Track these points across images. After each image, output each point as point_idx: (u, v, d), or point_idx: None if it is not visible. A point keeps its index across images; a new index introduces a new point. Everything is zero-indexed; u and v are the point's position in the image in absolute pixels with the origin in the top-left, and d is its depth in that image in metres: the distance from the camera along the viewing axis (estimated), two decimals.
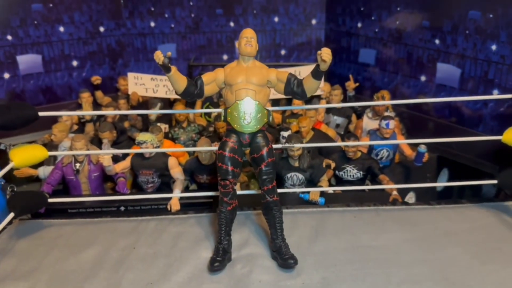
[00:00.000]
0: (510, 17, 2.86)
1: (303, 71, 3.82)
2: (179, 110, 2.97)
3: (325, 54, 0.90)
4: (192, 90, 0.79)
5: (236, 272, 0.89)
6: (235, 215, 0.88)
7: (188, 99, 0.88)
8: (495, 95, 2.65)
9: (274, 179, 0.87)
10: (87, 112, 2.70)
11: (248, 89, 0.81)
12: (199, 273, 0.90)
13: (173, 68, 0.74)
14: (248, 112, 0.80)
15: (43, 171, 2.81)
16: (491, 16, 2.97)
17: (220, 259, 0.91)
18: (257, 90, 0.83)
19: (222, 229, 0.89)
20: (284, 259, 0.85)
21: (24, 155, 1.56)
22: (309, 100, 4.02)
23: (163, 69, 0.77)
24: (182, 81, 0.77)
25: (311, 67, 4.02)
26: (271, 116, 0.85)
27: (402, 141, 2.90)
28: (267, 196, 0.87)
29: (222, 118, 0.84)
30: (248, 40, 0.88)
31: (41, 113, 1.25)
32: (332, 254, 0.97)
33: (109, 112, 2.58)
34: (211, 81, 0.81)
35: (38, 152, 1.60)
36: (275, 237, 0.87)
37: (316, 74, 0.79)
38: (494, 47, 2.99)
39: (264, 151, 0.83)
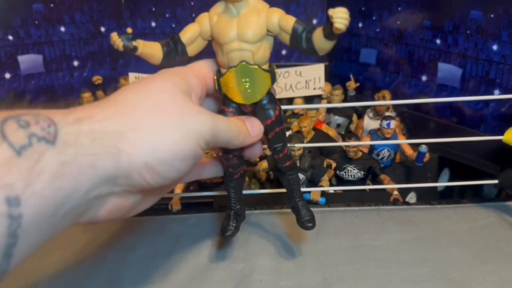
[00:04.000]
0: (511, 17, 2.86)
1: (304, 71, 3.83)
2: None
3: (339, 19, 0.50)
4: (172, 57, 0.62)
5: (237, 272, 0.89)
6: (244, 180, 0.78)
7: (172, 66, 0.67)
8: (497, 95, 2.65)
9: (285, 146, 0.74)
10: None
11: (243, 51, 0.65)
12: (200, 272, 0.90)
13: (140, 44, 0.59)
14: (246, 80, 0.65)
15: None
16: (492, 16, 2.97)
17: (233, 224, 0.80)
18: (254, 50, 0.65)
19: (232, 196, 0.78)
20: (301, 221, 0.80)
21: None
22: (310, 100, 4.03)
23: (128, 52, 0.61)
24: (156, 52, 0.61)
25: (312, 67, 3.99)
26: (275, 76, 0.68)
27: (403, 141, 2.90)
28: (279, 164, 0.75)
29: (216, 86, 0.69)
30: None
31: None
32: (332, 254, 0.96)
33: None
34: (194, 38, 0.64)
35: None
36: (290, 196, 0.80)
37: (329, 35, 0.59)
38: (495, 47, 2.99)
39: (270, 120, 0.69)
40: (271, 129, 0.72)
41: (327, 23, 0.59)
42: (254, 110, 0.71)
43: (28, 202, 0.35)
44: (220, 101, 0.73)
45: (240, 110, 0.71)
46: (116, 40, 0.61)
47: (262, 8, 0.65)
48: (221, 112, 0.70)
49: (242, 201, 0.83)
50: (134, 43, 0.62)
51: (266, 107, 0.71)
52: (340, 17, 0.55)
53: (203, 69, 0.66)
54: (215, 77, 0.67)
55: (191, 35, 0.67)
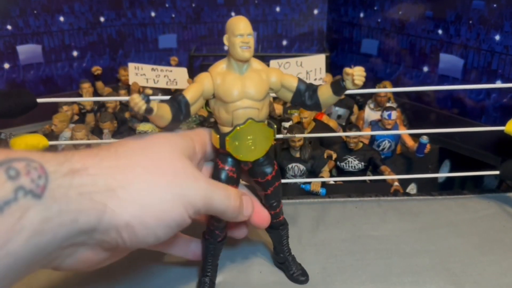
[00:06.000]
0: None
1: (305, 62, 3.80)
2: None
3: (359, 77, 0.63)
4: (178, 118, 0.62)
5: (237, 263, 0.89)
6: (223, 245, 0.78)
7: (176, 128, 0.69)
8: (500, 85, 2.64)
9: (280, 200, 0.75)
10: (88, 98, 2.68)
11: (249, 108, 0.67)
12: (199, 262, 0.90)
13: (154, 105, 0.58)
14: (252, 137, 0.67)
15: None
16: (495, 6, 2.95)
17: None
18: (260, 107, 0.68)
19: (209, 262, 0.79)
20: (294, 277, 0.81)
21: (25, 144, 1.55)
22: None
23: (144, 114, 0.61)
24: (167, 114, 0.60)
25: (313, 58, 3.96)
26: (275, 131, 0.71)
27: (403, 131, 2.89)
28: (273, 219, 0.76)
29: (218, 145, 0.69)
30: (244, 40, 0.64)
31: (39, 100, 1.24)
32: (332, 245, 0.96)
33: (108, 98, 2.57)
34: (197, 98, 0.64)
35: (38, 141, 1.59)
36: (279, 251, 0.82)
37: (338, 90, 0.62)
38: (497, 38, 2.97)
39: (271, 176, 0.70)
40: (270, 185, 0.73)
41: (338, 81, 0.63)
42: (252, 166, 0.72)
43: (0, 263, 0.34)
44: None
45: (239, 167, 0.71)
46: (139, 102, 0.55)
47: (262, 69, 0.68)
48: (219, 170, 0.68)
49: (217, 267, 0.83)
50: (151, 105, 0.58)
51: (265, 163, 0.72)
52: (360, 74, 0.62)
53: (205, 137, 0.66)
54: (217, 136, 0.66)
55: (194, 94, 0.65)
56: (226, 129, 0.67)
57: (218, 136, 0.67)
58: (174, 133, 0.58)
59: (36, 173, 0.37)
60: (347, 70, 0.62)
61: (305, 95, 0.68)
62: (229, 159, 0.69)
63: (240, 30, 0.63)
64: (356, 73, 0.61)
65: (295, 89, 0.69)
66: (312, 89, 0.68)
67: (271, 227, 0.79)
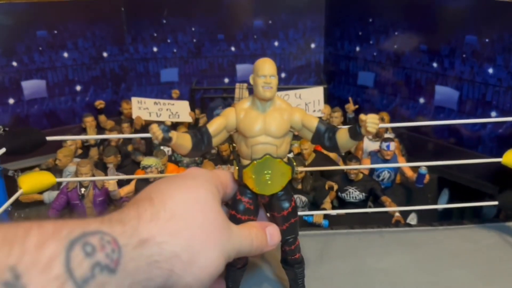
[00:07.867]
0: (505, 42, 2.93)
1: (304, 94, 3.88)
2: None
3: (372, 124, 0.66)
4: (199, 147, 0.70)
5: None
6: (243, 272, 0.84)
7: (197, 156, 0.71)
8: (495, 118, 2.71)
9: (297, 237, 0.79)
10: (94, 136, 2.70)
11: (267, 144, 0.70)
12: None
13: (174, 135, 0.65)
14: (268, 172, 0.70)
15: (48, 196, 2.83)
16: (487, 40, 3.05)
17: None
18: (278, 144, 0.70)
19: (230, 286, 0.83)
20: None
21: (33, 182, 1.58)
22: None
23: (163, 143, 0.70)
24: (187, 143, 0.70)
25: (311, 90, 4.01)
26: (294, 169, 0.77)
27: (403, 164, 2.93)
28: (288, 255, 0.79)
29: (236, 176, 0.72)
30: (267, 80, 0.68)
31: (49, 138, 1.28)
32: (337, 278, 0.98)
33: (114, 136, 2.61)
34: (220, 130, 0.70)
35: (46, 179, 1.62)
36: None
37: (354, 135, 0.67)
38: (491, 70, 3.05)
39: (286, 212, 0.75)
40: (286, 220, 0.75)
41: (354, 126, 0.68)
42: (270, 200, 0.74)
43: None
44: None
45: (257, 200, 0.74)
46: (157, 131, 0.64)
47: (286, 108, 0.73)
48: (237, 201, 0.72)
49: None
50: (170, 134, 0.66)
51: (283, 198, 0.74)
52: (373, 122, 0.66)
53: (226, 179, 0.70)
54: (237, 167, 0.72)
55: (217, 127, 0.72)
56: (245, 162, 0.72)
57: (237, 168, 0.72)
58: (207, 180, 0.61)
59: (110, 247, 0.38)
60: (362, 116, 0.65)
61: (324, 136, 0.72)
62: (247, 191, 0.72)
63: (263, 71, 0.70)
64: (369, 121, 0.65)
65: (315, 129, 0.73)
66: (332, 131, 0.72)
67: (286, 263, 0.81)
